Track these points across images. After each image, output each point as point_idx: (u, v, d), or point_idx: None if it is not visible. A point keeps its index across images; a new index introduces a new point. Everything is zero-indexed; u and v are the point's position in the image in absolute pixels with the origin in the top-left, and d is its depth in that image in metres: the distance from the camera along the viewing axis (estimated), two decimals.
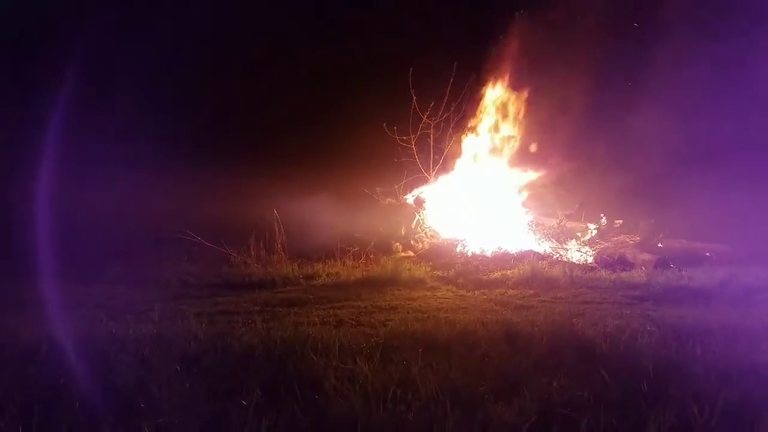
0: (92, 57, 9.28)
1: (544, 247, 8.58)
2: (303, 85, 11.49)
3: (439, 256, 8.03)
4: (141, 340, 3.87)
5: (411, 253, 8.45)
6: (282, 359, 3.45)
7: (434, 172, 9.42)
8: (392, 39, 11.15)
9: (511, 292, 6.19)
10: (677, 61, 9.58)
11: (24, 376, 3.23)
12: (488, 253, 8.04)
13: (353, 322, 4.65)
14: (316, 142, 10.72)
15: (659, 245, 8.72)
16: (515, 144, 9.60)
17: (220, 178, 9.70)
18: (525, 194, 9.47)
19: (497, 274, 6.98)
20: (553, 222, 9.10)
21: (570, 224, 9.12)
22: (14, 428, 2.63)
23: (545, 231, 8.90)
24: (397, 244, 8.63)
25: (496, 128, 9.65)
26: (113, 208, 8.91)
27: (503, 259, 7.70)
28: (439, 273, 7.17)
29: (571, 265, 7.53)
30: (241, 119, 11.30)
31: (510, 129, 9.61)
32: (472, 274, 7.06)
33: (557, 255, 8.31)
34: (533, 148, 9.45)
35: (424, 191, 9.36)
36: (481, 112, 9.62)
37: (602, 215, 9.07)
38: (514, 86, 9.50)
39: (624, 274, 7.07)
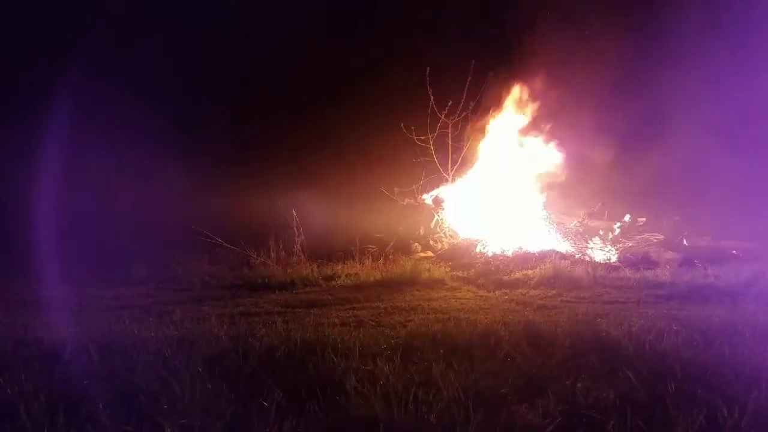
0: (114, 56, 9.43)
1: (566, 246, 8.46)
2: (321, 86, 11.54)
3: (458, 257, 7.98)
4: (163, 342, 3.91)
5: (430, 254, 8.41)
6: (303, 360, 3.45)
7: (453, 172, 9.37)
8: (410, 38, 11.13)
9: (532, 292, 6.12)
10: (700, 54, 9.37)
11: (49, 377, 3.29)
12: (509, 253, 7.96)
13: (373, 323, 4.63)
14: (334, 143, 10.76)
15: (684, 243, 8.55)
16: (535, 142, 9.49)
17: (239, 180, 9.79)
18: (546, 193, 9.36)
19: (518, 274, 6.91)
20: (575, 221, 8.98)
21: (593, 223, 9.00)
22: (39, 428, 2.67)
23: (567, 230, 8.79)
24: (416, 244, 8.61)
25: (515, 126, 9.56)
26: (135, 210, 9.06)
27: (524, 259, 7.61)
28: (459, 273, 7.12)
29: (594, 265, 7.43)
30: (260, 121, 11.39)
31: (530, 127, 9.50)
32: (493, 274, 7.01)
33: (580, 254, 8.19)
34: (554, 146, 9.33)
35: (442, 191, 9.31)
36: (499, 110, 9.53)
37: (626, 214, 8.92)
38: (534, 84, 9.40)
39: (648, 273, 6.94)
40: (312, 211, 8.58)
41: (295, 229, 8.20)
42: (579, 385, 2.94)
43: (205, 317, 4.85)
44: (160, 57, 10.27)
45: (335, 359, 3.41)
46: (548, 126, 9.31)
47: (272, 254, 7.91)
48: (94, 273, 6.92)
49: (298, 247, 8.11)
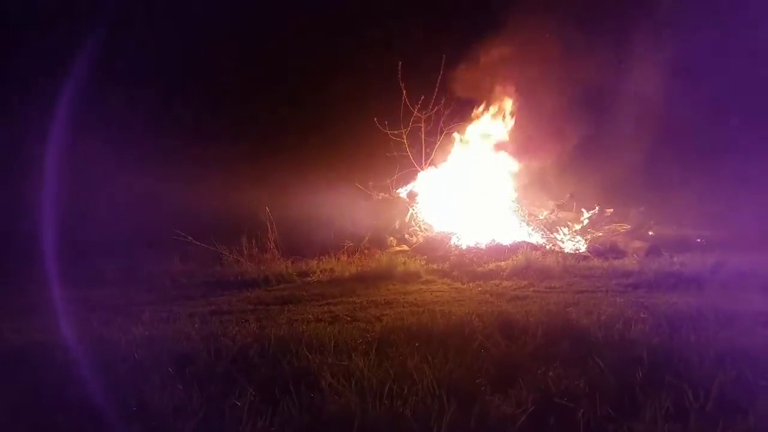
0: (84, 60, 9.18)
1: (538, 237, 8.60)
2: (293, 81, 11.42)
3: (433, 250, 8.03)
4: (133, 343, 3.83)
5: (405, 247, 8.44)
6: (276, 358, 3.42)
7: (426, 166, 9.41)
8: (382, 32, 11.10)
9: (505, 283, 6.20)
10: (667, 46, 9.58)
11: (14, 380, 3.19)
12: (482, 246, 8.04)
13: (348, 318, 4.62)
14: (306, 138, 10.67)
15: (650, 233, 8.77)
16: (506, 136, 9.60)
17: (210, 177, 9.63)
18: (517, 186, 9.48)
19: (492, 266, 6.98)
20: (546, 213, 9.12)
21: (562, 214, 9.16)
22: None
23: (538, 222, 8.92)
24: (392, 238, 8.62)
25: (486, 120, 9.65)
26: (105, 209, 8.84)
27: (497, 251, 7.70)
28: (434, 266, 7.16)
29: (565, 255, 7.55)
30: (231, 117, 11.22)
31: (499, 121, 9.61)
32: (467, 266, 7.06)
33: (550, 245, 8.33)
34: (523, 139, 9.45)
35: (416, 185, 9.34)
36: (471, 104, 9.60)
37: (594, 205, 9.11)
38: (503, 79, 9.49)
39: (616, 262, 7.09)
40: (285, 207, 8.50)
41: (268, 225, 8.11)
42: (551, 373, 2.99)
43: (175, 317, 4.77)
44: (123, 54, 10.04)
45: (309, 356, 3.39)
46: (513, 119, 9.43)
47: (245, 251, 7.81)
48: (60, 272, 6.73)
49: (272, 243, 8.03)
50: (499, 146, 9.60)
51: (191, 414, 2.72)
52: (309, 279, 6.79)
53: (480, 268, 6.92)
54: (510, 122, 9.58)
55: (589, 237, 8.67)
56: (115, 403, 2.88)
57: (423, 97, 9.10)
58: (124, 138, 9.55)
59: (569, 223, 8.97)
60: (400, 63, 8.99)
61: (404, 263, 6.92)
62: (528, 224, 8.84)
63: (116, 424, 2.71)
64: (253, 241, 7.92)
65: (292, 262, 7.40)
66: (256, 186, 8.93)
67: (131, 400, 2.88)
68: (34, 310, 5.13)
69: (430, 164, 9.41)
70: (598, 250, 7.99)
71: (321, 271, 7.00)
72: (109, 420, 2.74)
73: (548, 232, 8.72)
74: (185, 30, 10.22)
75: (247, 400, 2.78)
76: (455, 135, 9.58)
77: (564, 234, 8.75)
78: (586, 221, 8.91)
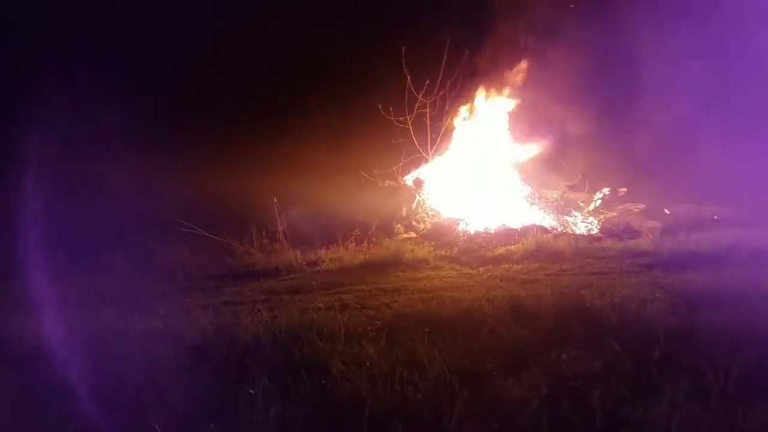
0: (89, 49, 9.17)
1: (549, 220, 8.50)
2: (298, 70, 11.34)
3: (441, 236, 7.97)
4: (148, 334, 3.85)
5: (413, 234, 8.39)
6: (288, 346, 3.42)
7: (432, 152, 9.32)
8: (385, 17, 10.97)
9: (516, 267, 6.13)
10: (679, 26, 9.38)
11: (30, 374, 3.21)
12: (491, 230, 7.97)
13: (358, 306, 4.61)
14: (312, 127, 10.61)
15: (665, 211, 8.63)
16: (513, 117, 9.47)
17: (218, 167, 9.62)
18: (526, 168, 9.37)
19: (501, 250, 6.92)
20: (556, 194, 9.01)
21: (573, 195, 9.04)
22: (22, 424, 2.62)
23: (548, 204, 8.82)
24: (399, 225, 8.57)
25: (492, 103, 9.51)
26: (115, 199, 8.86)
27: (507, 235, 7.62)
28: (443, 252, 7.11)
29: (577, 237, 7.47)
30: (238, 106, 11.18)
31: (507, 102, 9.47)
32: (476, 251, 7.01)
33: (562, 227, 8.23)
34: (532, 119, 9.33)
35: (423, 171, 9.27)
36: (476, 87, 9.47)
37: (607, 185, 8.97)
38: (510, 59, 9.34)
39: (631, 243, 7.00)
40: (293, 197, 8.48)
41: (277, 215, 8.10)
42: (564, 356, 2.95)
43: (189, 308, 4.78)
44: (129, 45, 10.00)
45: (320, 343, 3.39)
46: (518, 102, 9.30)
47: (255, 242, 7.81)
48: (74, 264, 6.76)
49: (281, 233, 8.02)
50: (508, 127, 9.47)
51: (206, 403, 2.73)
52: (318, 268, 6.78)
53: (489, 253, 6.86)
54: (518, 102, 9.42)
55: (602, 218, 8.56)
56: (131, 393, 2.89)
57: (428, 81, 8.99)
58: (133, 129, 9.53)
59: (581, 204, 8.85)
60: (404, 48, 8.87)
61: (412, 250, 6.88)
62: (538, 207, 8.75)
63: (132, 413, 2.72)
64: (263, 232, 7.91)
65: (302, 252, 7.38)
66: (263, 176, 8.90)
67: (147, 391, 2.89)
68: (47, 302, 5.16)
69: (436, 150, 9.33)
70: (611, 231, 7.89)
71: (330, 260, 6.98)
72: (124, 409, 2.75)
73: (560, 215, 8.62)
74: (190, 19, 10.15)
75: (260, 389, 2.77)
76: (461, 116, 9.45)
77: (576, 215, 8.65)
78: (598, 202, 8.78)
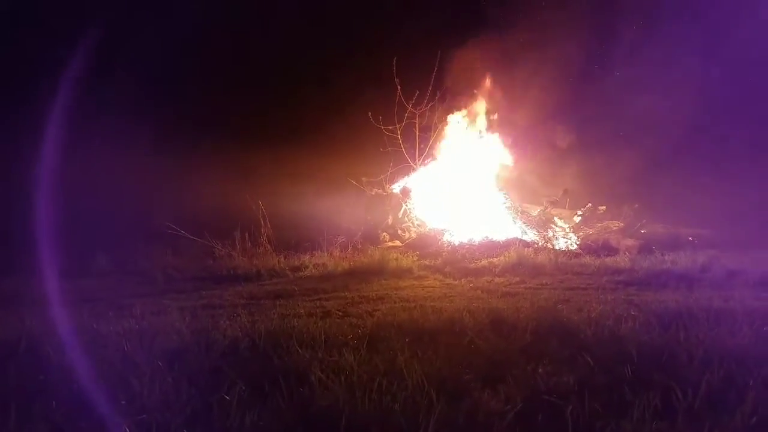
0: (79, 56, 9.09)
1: (530, 234, 8.61)
2: (287, 77, 11.37)
3: (426, 246, 8.03)
4: (123, 336, 3.81)
5: (398, 243, 8.44)
6: (267, 352, 3.41)
7: (420, 162, 9.40)
8: (376, 28, 11.06)
9: (497, 279, 6.21)
10: (661, 46, 9.61)
11: (2, 374, 3.16)
12: (475, 242, 8.05)
13: (340, 313, 4.61)
14: (301, 133, 10.63)
15: (642, 231, 8.81)
16: (499, 132, 9.60)
17: (204, 171, 9.59)
18: (511, 183, 9.49)
19: (484, 262, 7.00)
20: (539, 209, 9.14)
21: (555, 211, 9.18)
22: None
23: (531, 219, 8.94)
24: (384, 234, 8.61)
25: (480, 117, 9.64)
26: (98, 201, 8.77)
27: (490, 248, 7.72)
28: (426, 262, 7.17)
29: (557, 252, 7.58)
30: (225, 112, 11.16)
31: (494, 117, 9.61)
32: (459, 262, 7.07)
33: (543, 242, 8.35)
34: (516, 135, 9.47)
35: (410, 181, 9.33)
36: (464, 101, 9.59)
37: (587, 202, 9.13)
38: (497, 74, 9.49)
39: (608, 260, 7.12)
40: (279, 201, 8.47)
41: (261, 219, 8.08)
42: (540, 370, 3.00)
43: (167, 310, 4.74)
44: (120, 50, 9.96)
45: (300, 350, 3.38)
46: (496, 116, 9.45)
47: (238, 245, 7.78)
48: (53, 264, 6.67)
49: (265, 237, 8.00)
50: (493, 142, 9.60)
51: (180, 408, 2.71)
52: (301, 274, 6.78)
53: (472, 265, 6.93)
54: (503, 118, 9.57)
55: (581, 234, 8.70)
56: (104, 396, 2.86)
57: (417, 92, 9.09)
58: (118, 132, 9.48)
59: (562, 220, 8.99)
60: (395, 59, 8.95)
61: (396, 259, 6.92)
62: (521, 221, 8.86)
63: (104, 417, 2.69)
64: (246, 236, 7.89)
65: (285, 257, 7.38)
66: (249, 181, 8.90)
67: (120, 393, 2.86)
68: (25, 301, 5.09)
69: (423, 160, 9.40)
70: (590, 248, 8.03)
71: (313, 266, 6.99)
72: (97, 413, 2.72)
73: (541, 229, 8.74)
74: (179, 26, 10.14)
75: (236, 394, 2.77)
76: (449, 130, 9.56)
77: (556, 231, 8.77)
78: (578, 218, 8.93)
